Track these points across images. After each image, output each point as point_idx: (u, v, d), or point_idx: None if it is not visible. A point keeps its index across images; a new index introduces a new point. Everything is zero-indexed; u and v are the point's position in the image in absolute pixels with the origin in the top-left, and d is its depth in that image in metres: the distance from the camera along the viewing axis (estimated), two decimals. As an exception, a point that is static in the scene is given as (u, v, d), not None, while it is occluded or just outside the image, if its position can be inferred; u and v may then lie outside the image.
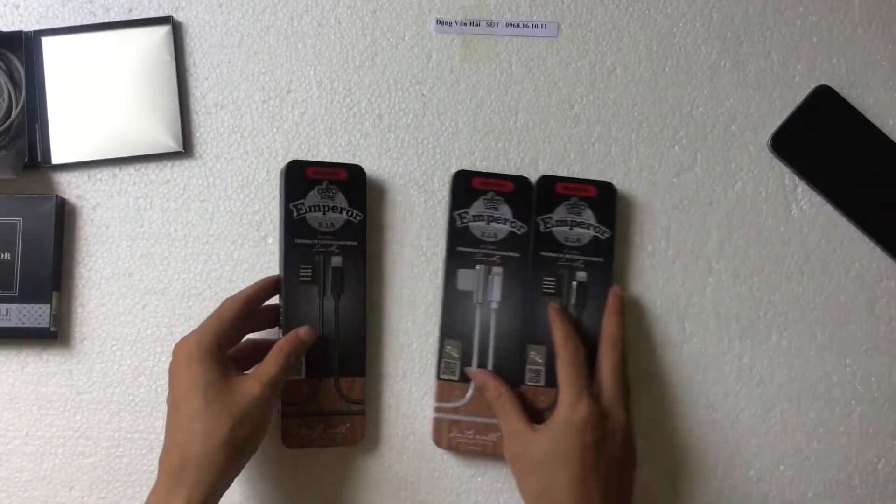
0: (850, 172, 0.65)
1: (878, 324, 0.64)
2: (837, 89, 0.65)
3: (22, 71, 0.63)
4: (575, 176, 0.64)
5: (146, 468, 0.62)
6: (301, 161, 0.61)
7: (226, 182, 0.64)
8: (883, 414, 0.64)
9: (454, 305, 0.61)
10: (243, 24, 0.65)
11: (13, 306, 0.60)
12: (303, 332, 0.58)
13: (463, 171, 0.62)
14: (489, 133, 0.65)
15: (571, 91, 0.65)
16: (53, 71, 0.63)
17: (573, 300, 0.61)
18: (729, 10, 0.66)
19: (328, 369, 0.60)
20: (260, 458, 0.60)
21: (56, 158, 0.62)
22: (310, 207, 0.60)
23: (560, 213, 0.61)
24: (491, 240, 0.61)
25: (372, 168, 0.64)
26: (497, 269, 0.61)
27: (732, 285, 0.64)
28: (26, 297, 0.60)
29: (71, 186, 0.63)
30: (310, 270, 0.60)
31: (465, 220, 0.61)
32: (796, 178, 0.65)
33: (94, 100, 0.63)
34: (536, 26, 0.65)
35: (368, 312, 0.62)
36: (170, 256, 0.63)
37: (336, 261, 0.60)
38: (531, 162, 0.64)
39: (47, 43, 0.63)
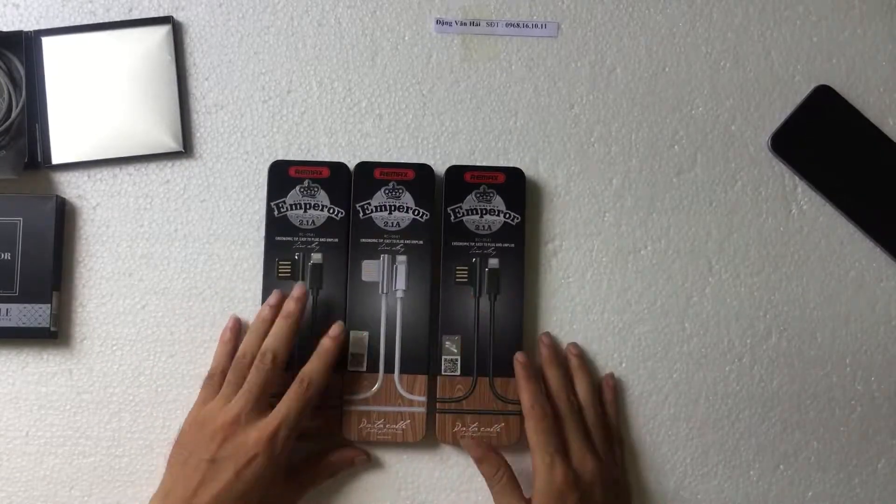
0: (850, 172, 0.65)
1: (878, 324, 0.64)
2: (837, 89, 0.65)
3: (22, 71, 0.63)
4: (574, 175, 0.64)
5: (146, 468, 0.62)
6: (284, 161, 0.62)
7: (226, 182, 0.64)
8: (883, 414, 0.64)
9: (359, 297, 0.61)
10: (243, 24, 0.65)
11: (13, 306, 0.60)
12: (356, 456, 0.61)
13: (364, 162, 0.63)
14: (489, 133, 0.65)
15: (571, 91, 0.65)
16: (53, 71, 0.63)
17: (486, 287, 0.61)
18: (729, 10, 0.66)
19: (304, 363, 0.60)
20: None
21: (56, 158, 0.62)
22: (291, 206, 0.61)
23: (470, 201, 0.62)
24: (394, 229, 0.61)
25: (372, 168, 0.64)
26: (401, 258, 0.61)
27: (732, 285, 0.64)
28: (26, 296, 0.60)
29: (71, 186, 0.63)
30: (288, 267, 0.61)
31: (367, 212, 0.61)
32: (796, 178, 0.65)
33: (94, 100, 0.63)
34: (536, 26, 0.65)
35: (349, 307, 0.61)
36: (170, 256, 0.63)
37: (316, 257, 0.61)
38: (531, 162, 0.64)
39: (47, 43, 0.63)
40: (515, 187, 0.62)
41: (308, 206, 0.62)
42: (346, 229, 0.62)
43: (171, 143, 0.63)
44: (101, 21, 0.64)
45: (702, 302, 0.64)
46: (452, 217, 0.62)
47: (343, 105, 0.65)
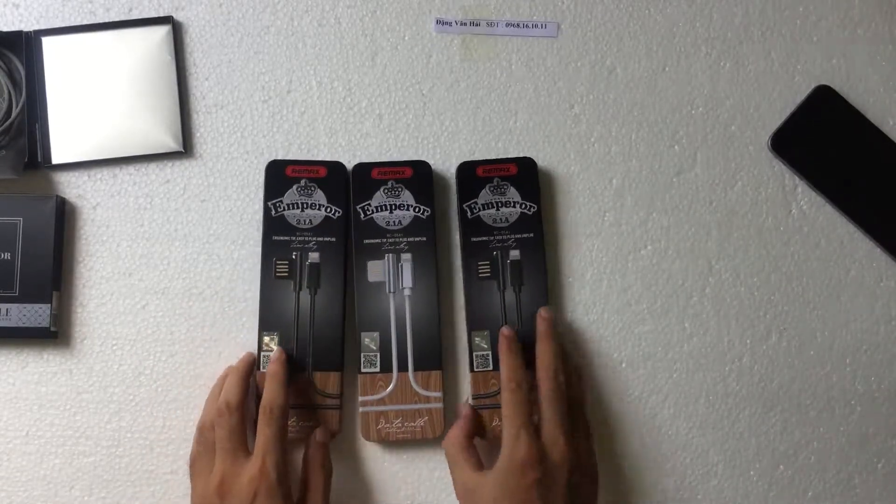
0: (850, 172, 0.65)
1: (878, 324, 0.64)
2: (837, 89, 0.65)
3: (22, 71, 0.63)
4: (574, 175, 0.64)
5: (146, 468, 0.62)
6: (281, 160, 0.62)
7: (226, 182, 0.64)
8: (883, 414, 0.64)
9: (367, 298, 0.61)
10: (243, 24, 0.65)
11: (13, 306, 0.60)
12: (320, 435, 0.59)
13: (362, 164, 0.63)
14: (489, 133, 0.65)
15: (571, 91, 0.65)
16: (53, 71, 0.63)
17: (509, 280, 0.61)
18: (729, 10, 0.66)
19: (303, 363, 0.60)
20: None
21: (56, 158, 0.62)
22: (288, 205, 0.61)
23: (484, 195, 0.62)
24: (396, 227, 0.61)
25: (372, 168, 0.64)
26: (406, 256, 0.61)
27: (732, 285, 0.64)
28: (26, 296, 0.60)
29: (71, 186, 0.63)
30: (286, 266, 0.61)
31: (368, 213, 0.62)
32: (796, 178, 0.65)
33: (94, 100, 0.63)
34: (536, 26, 0.65)
35: (348, 307, 0.61)
36: (170, 256, 0.63)
37: (313, 256, 0.61)
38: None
39: (47, 43, 0.63)
40: (528, 177, 0.62)
41: (305, 206, 0.62)
42: (343, 228, 0.62)
43: (171, 143, 0.63)
44: (101, 21, 0.64)
45: (702, 302, 0.64)
46: (469, 213, 0.62)
47: (343, 105, 0.65)
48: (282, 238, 0.61)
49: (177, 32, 0.64)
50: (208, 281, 0.63)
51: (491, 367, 0.61)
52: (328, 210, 0.62)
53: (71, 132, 0.63)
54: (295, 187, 0.62)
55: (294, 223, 0.62)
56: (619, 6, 0.66)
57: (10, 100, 0.62)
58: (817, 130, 0.65)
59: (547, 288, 0.61)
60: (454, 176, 0.63)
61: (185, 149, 0.64)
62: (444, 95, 0.65)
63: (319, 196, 0.62)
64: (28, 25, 0.64)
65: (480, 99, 0.65)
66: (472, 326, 0.61)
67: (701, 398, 0.63)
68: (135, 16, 0.64)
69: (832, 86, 0.65)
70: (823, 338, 0.64)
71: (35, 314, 0.60)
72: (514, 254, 0.62)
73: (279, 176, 0.62)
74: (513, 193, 0.62)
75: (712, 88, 0.66)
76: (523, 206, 0.62)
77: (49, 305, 0.61)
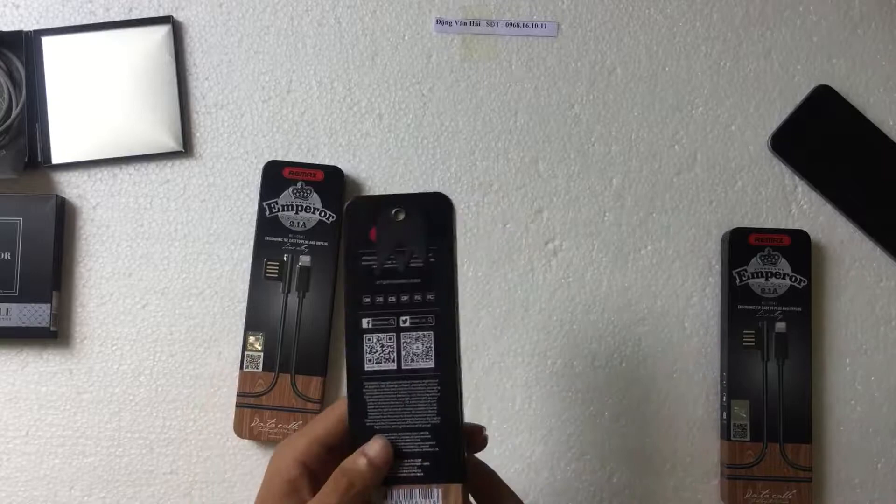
0: (850, 172, 0.65)
1: (878, 324, 0.64)
2: (837, 89, 0.65)
3: (22, 71, 0.63)
4: (574, 175, 0.64)
5: (146, 468, 0.62)
6: (279, 161, 0.62)
7: (226, 182, 0.64)
8: (883, 414, 0.64)
9: None
10: (243, 24, 0.65)
11: (13, 306, 0.60)
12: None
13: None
14: (489, 133, 0.65)
15: (571, 91, 0.65)
16: (53, 71, 0.63)
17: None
18: (729, 10, 0.66)
19: (286, 366, 0.61)
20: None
21: (56, 158, 0.62)
22: (283, 206, 0.62)
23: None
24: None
25: (372, 168, 0.64)
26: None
27: (732, 285, 0.64)
28: (26, 296, 0.60)
29: (71, 186, 0.63)
30: (276, 267, 0.61)
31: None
32: (796, 178, 0.65)
33: (94, 100, 0.63)
34: (536, 26, 0.65)
35: (335, 312, 0.61)
36: (170, 256, 0.63)
37: (304, 260, 0.61)
38: (531, 162, 0.64)
39: (47, 43, 0.63)
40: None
41: (300, 208, 0.62)
42: (336, 234, 0.62)
43: (171, 143, 0.63)
44: (101, 21, 0.64)
45: (702, 302, 0.64)
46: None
47: (343, 105, 0.65)
48: (274, 239, 0.61)
49: (177, 32, 0.64)
50: (208, 281, 0.63)
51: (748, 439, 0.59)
52: (322, 214, 0.62)
53: (71, 132, 0.63)
54: (291, 189, 0.62)
55: (287, 225, 0.62)
56: (619, 6, 0.66)
57: (10, 100, 0.62)
58: (817, 130, 0.65)
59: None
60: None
61: (185, 149, 0.64)
62: (444, 95, 0.65)
63: (315, 200, 0.62)
64: (28, 25, 0.64)
65: (480, 99, 0.65)
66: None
67: (701, 398, 0.63)
68: (135, 16, 0.64)
69: (832, 86, 0.65)
70: (823, 338, 0.64)
71: (35, 314, 0.60)
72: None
73: (276, 177, 0.62)
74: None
75: (712, 88, 0.66)
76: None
77: (49, 305, 0.61)
